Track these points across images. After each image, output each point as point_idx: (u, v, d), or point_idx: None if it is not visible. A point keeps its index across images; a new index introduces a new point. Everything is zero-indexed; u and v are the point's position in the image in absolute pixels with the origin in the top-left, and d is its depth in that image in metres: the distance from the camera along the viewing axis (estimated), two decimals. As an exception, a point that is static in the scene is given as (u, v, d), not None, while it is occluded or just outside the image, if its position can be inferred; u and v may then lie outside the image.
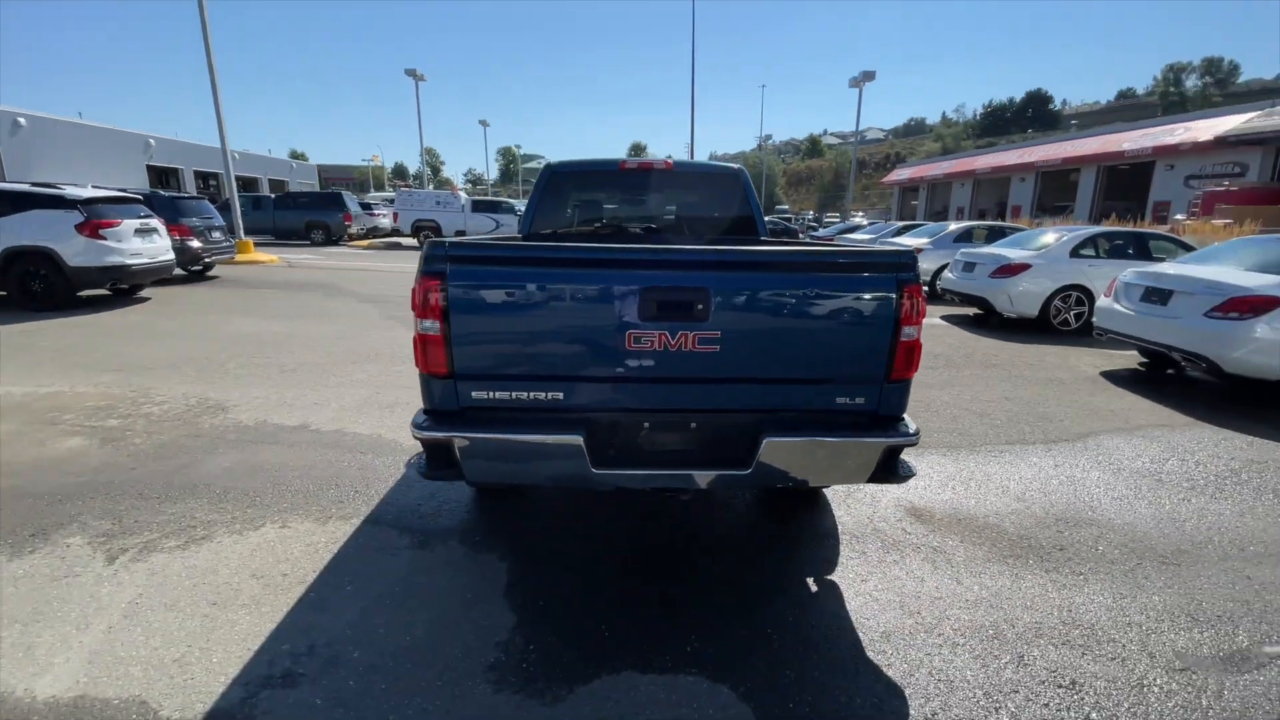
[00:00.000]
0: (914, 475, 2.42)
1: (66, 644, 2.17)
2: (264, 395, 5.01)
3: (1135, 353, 7.03)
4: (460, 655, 2.17)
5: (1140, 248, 8.79)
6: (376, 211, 25.36)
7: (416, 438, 2.27)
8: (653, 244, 4.00)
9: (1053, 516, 3.31)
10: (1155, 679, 2.14)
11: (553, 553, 2.86)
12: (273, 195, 23.66)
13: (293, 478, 3.53)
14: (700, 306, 2.20)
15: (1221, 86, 61.25)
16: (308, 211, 21.62)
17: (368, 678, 2.05)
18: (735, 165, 4.54)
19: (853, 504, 3.36)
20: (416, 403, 5.44)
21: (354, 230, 22.79)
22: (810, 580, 2.70)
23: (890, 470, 2.39)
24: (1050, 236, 9.19)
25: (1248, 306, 5.01)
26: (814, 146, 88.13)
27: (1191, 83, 63.48)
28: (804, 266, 2.29)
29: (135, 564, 2.66)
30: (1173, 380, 6.26)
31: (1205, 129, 23.38)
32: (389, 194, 38.98)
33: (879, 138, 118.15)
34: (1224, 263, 5.90)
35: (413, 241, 23.61)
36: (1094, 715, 1.98)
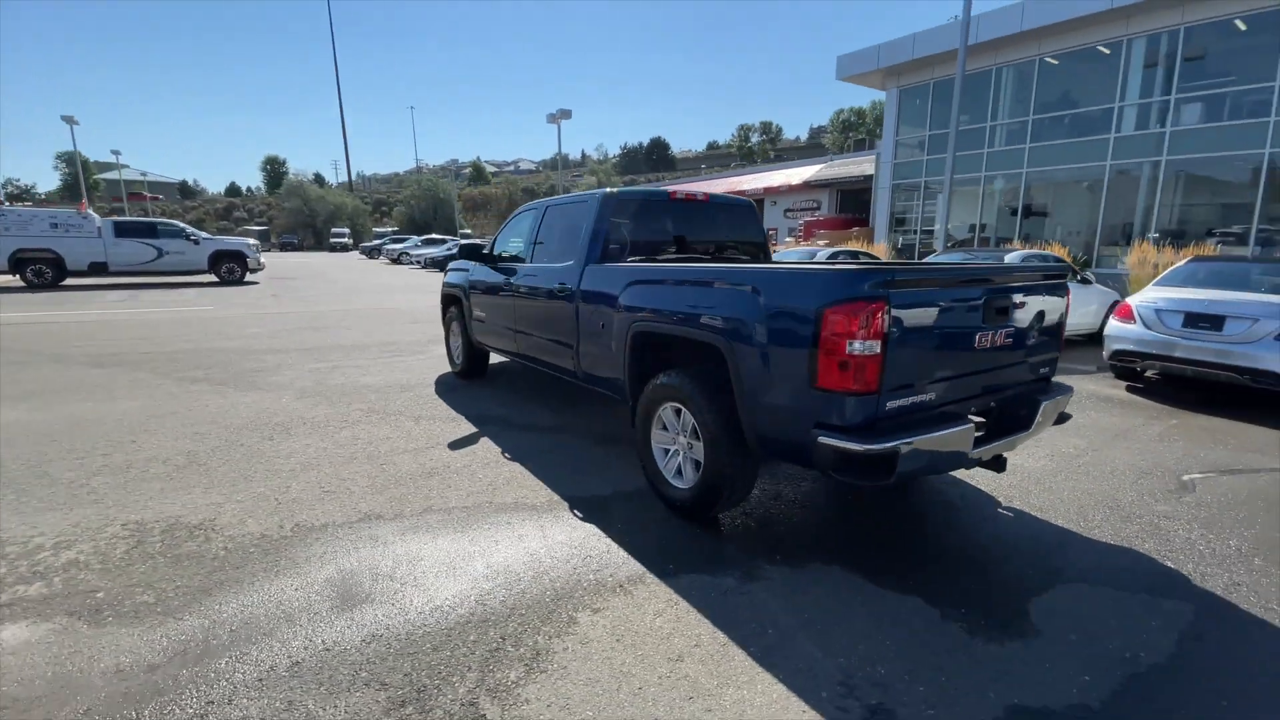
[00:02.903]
0: (1071, 417, 3.56)
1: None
2: (220, 501, 3.55)
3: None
4: (950, 646, 2.40)
5: None
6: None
7: (866, 452, 2.40)
8: None
9: (1044, 453, 4.91)
10: (1192, 499, 3.69)
11: (819, 538, 3.13)
12: None
13: (504, 563, 2.86)
14: (1008, 308, 2.91)
15: (774, 144, 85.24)
16: None
17: (940, 694, 2.17)
18: (748, 199, 5.18)
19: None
20: (456, 463, 4.69)
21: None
22: (1000, 509, 3.61)
23: (1063, 415, 3.47)
24: None
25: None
26: (479, 174, 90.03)
27: (755, 139, 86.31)
28: (1040, 275, 3.20)
29: (525, 706, 2.01)
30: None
31: (796, 175, 32.51)
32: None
33: (532, 168, 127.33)
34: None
35: (14, 280, 16.47)
36: (1196, 525, 3.39)
